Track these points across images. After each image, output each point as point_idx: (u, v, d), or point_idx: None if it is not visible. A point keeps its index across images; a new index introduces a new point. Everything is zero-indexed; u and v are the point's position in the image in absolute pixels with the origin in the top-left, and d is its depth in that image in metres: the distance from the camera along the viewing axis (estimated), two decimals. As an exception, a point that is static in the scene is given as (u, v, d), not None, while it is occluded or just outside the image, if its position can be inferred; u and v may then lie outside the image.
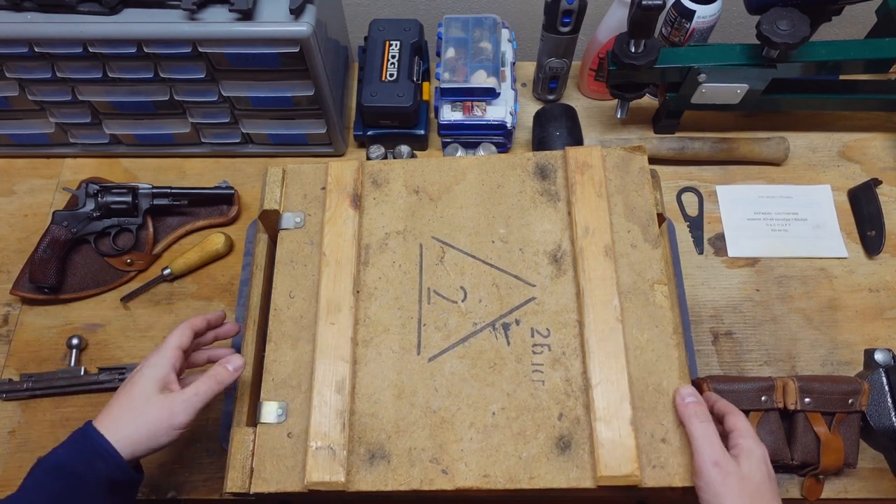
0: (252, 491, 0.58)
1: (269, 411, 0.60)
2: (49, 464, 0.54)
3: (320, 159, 0.94)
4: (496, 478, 0.57)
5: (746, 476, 0.52)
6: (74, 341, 0.79)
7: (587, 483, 0.56)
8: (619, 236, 0.65)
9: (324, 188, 0.70)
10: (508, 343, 0.62)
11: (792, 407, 0.68)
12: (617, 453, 0.56)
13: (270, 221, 0.70)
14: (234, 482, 0.58)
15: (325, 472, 0.57)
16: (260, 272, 0.71)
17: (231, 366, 0.59)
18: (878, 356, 0.73)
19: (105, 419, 0.56)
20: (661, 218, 0.70)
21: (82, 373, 0.77)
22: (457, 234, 0.68)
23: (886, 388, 0.71)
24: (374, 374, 0.62)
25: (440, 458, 0.58)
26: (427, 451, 0.58)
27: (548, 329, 0.62)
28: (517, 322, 0.63)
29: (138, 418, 0.55)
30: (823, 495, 0.71)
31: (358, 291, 0.65)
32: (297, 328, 0.64)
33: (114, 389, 0.77)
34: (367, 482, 0.57)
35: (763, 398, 0.69)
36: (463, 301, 0.64)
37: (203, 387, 0.57)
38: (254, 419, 0.61)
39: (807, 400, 0.68)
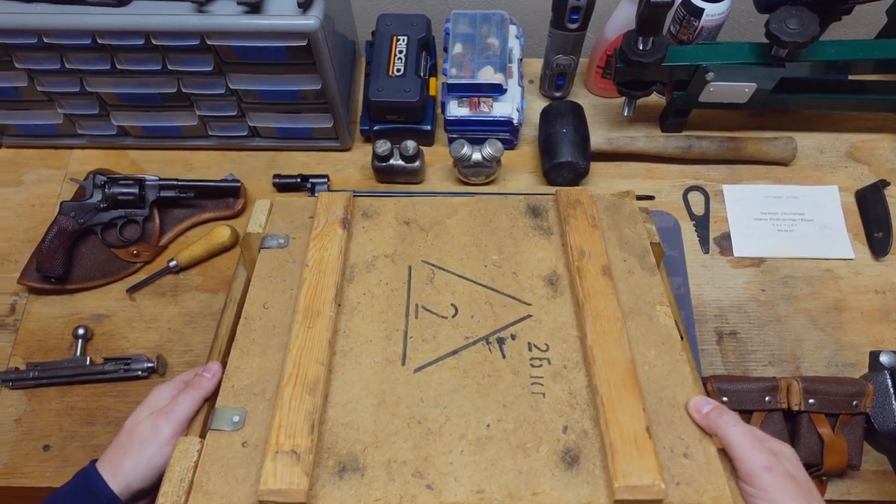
0: None
1: (223, 418, 0.53)
2: None
3: (325, 155, 0.94)
4: (493, 494, 0.50)
5: (794, 476, 0.49)
6: (80, 331, 0.79)
7: (601, 500, 0.49)
8: (616, 264, 0.63)
9: (311, 217, 0.67)
10: (504, 356, 0.58)
11: (796, 408, 0.68)
12: (635, 465, 0.49)
13: (252, 250, 0.67)
14: (165, 498, 0.50)
15: (284, 478, 0.48)
16: (233, 305, 0.67)
17: (208, 373, 0.59)
18: (884, 358, 0.73)
19: (105, 458, 0.56)
20: (659, 248, 0.68)
21: (88, 362, 0.78)
22: (447, 258, 0.65)
23: (891, 390, 0.71)
24: (351, 383, 0.56)
25: (425, 471, 0.51)
26: (409, 464, 0.51)
27: (546, 344, 0.58)
28: (512, 337, 0.59)
29: (130, 446, 0.55)
30: (826, 497, 0.71)
31: (339, 305, 0.60)
32: (268, 336, 0.59)
33: (119, 380, 0.78)
34: (335, 498, 0.49)
35: (767, 398, 0.68)
36: (454, 317, 0.60)
37: (184, 396, 0.57)
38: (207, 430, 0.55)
39: (811, 401, 0.68)
